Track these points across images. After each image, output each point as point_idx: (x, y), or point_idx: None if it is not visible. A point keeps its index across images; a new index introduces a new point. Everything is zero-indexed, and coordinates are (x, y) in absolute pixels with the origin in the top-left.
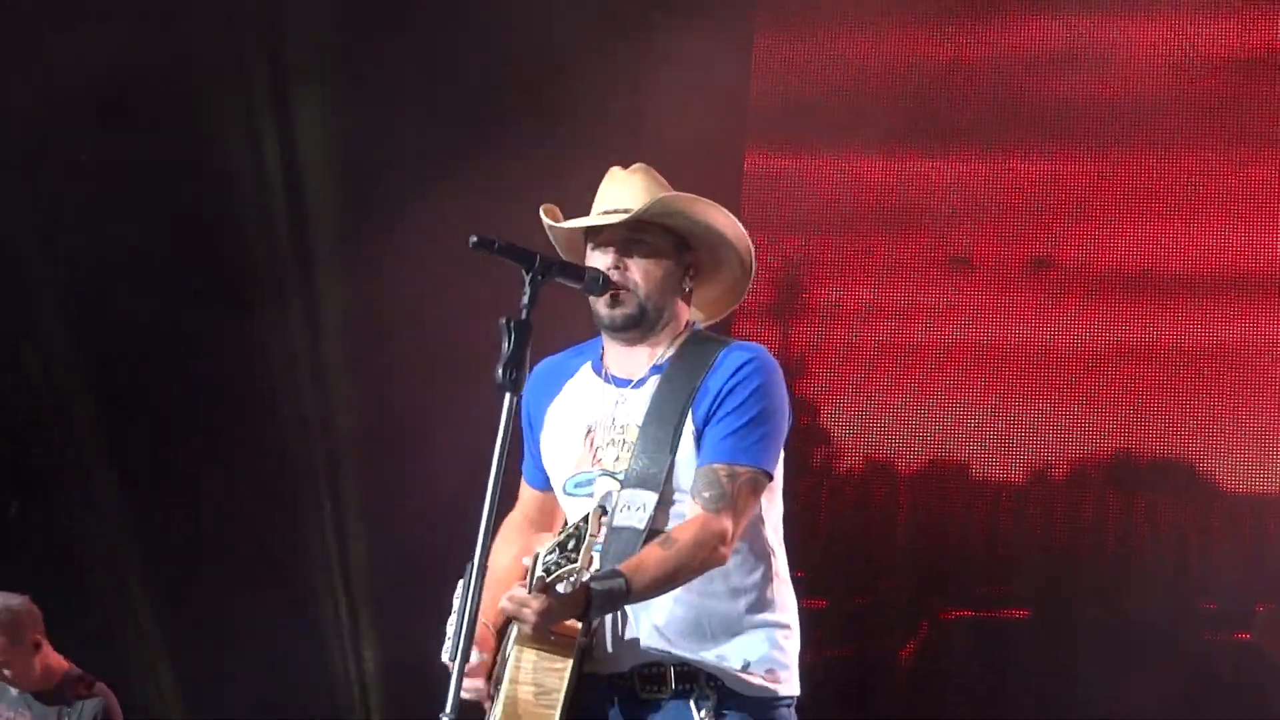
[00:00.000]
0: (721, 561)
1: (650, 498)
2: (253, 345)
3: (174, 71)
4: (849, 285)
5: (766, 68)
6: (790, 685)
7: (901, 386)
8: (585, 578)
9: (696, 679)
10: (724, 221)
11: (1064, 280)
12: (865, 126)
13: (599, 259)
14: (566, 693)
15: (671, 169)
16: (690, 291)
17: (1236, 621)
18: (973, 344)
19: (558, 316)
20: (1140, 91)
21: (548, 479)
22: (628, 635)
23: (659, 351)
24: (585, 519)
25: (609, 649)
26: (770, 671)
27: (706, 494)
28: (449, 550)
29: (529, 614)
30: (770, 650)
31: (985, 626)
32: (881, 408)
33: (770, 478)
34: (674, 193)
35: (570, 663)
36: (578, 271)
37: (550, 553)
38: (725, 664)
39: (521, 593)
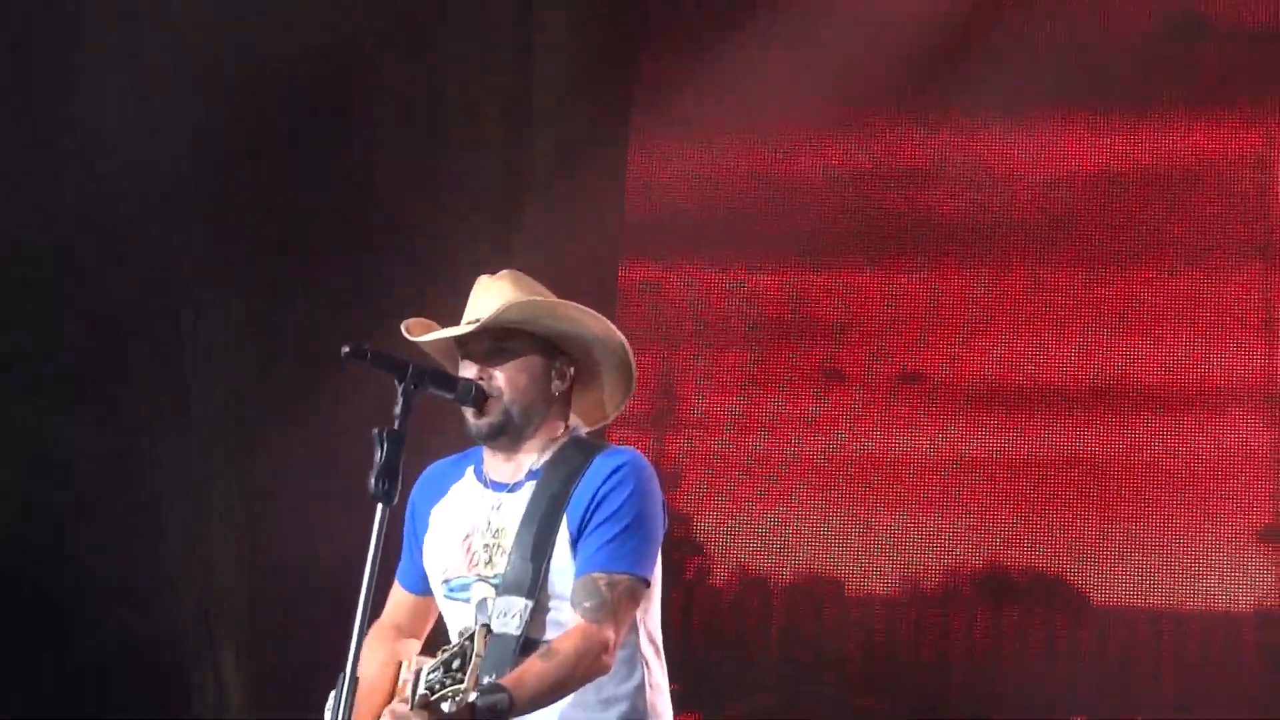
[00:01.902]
0: (605, 671)
1: (525, 604)
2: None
3: None
4: (722, 396)
5: (642, 179)
6: None
7: (774, 497)
8: (471, 699)
9: None
10: (591, 323)
11: (935, 392)
12: (739, 239)
13: (467, 369)
14: None
15: (545, 279)
16: (567, 397)
17: None
18: (845, 456)
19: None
20: (1008, 207)
21: (423, 582)
22: None
23: (534, 457)
24: (470, 638)
25: None
26: None
27: (587, 604)
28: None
29: None
30: None
31: None
32: (754, 518)
33: (648, 584)
34: (534, 298)
35: None
36: (450, 381)
37: (434, 670)
38: None
39: (403, 709)
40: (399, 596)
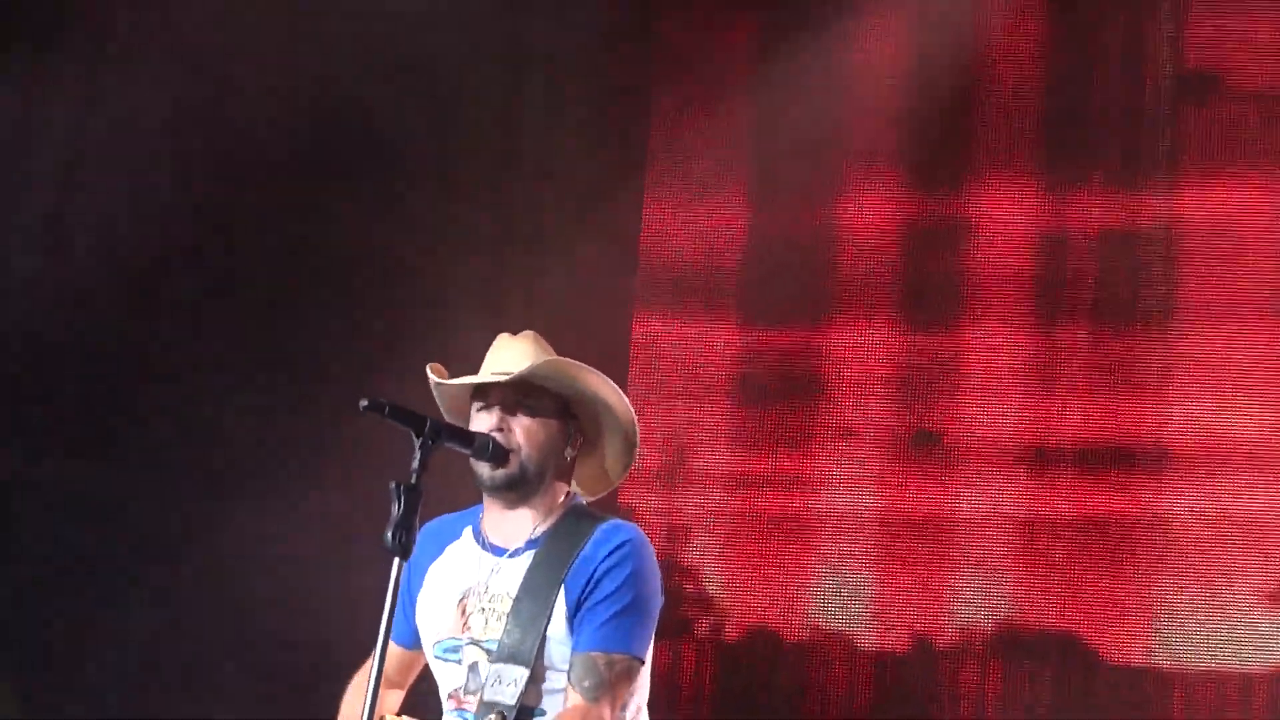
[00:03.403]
0: None
1: (522, 673)
2: None
3: None
4: (733, 452)
5: (655, 234)
6: None
7: (786, 554)
8: None
9: None
10: (609, 391)
11: (948, 451)
12: (752, 295)
13: (483, 420)
14: None
15: (558, 334)
16: (573, 464)
17: None
18: (857, 513)
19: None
20: (1024, 266)
21: (414, 636)
22: None
23: (536, 524)
24: (503, 714)
25: None
26: None
27: (586, 683)
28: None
29: None
30: None
31: None
32: (765, 575)
33: (643, 664)
34: (561, 358)
35: None
36: (468, 437)
37: None
38: None
39: None
40: (389, 649)
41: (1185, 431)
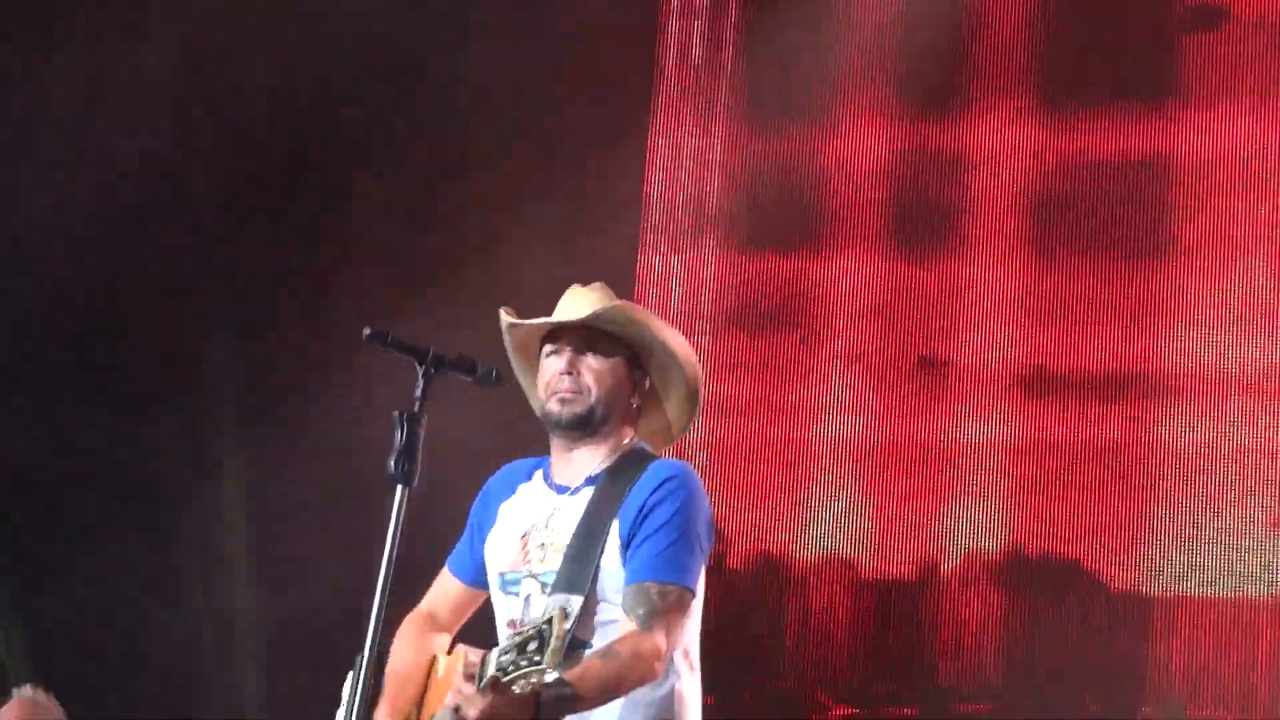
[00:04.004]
0: (654, 678)
1: (576, 601)
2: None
3: None
4: (738, 381)
5: (661, 165)
6: None
7: (791, 482)
8: (548, 679)
9: None
10: (676, 343)
11: (953, 378)
12: (757, 226)
13: (552, 363)
14: None
15: (564, 267)
16: (638, 412)
17: None
18: (862, 441)
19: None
20: (1029, 194)
21: (479, 573)
22: None
23: (596, 461)
24: (549, 621)
25: None
26: None
27: (640, 610)
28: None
29: (474, 713)
30: None
31: None
32: (771, 505)
33: (694, 595)
34: (631, 304)
35: None
36: (470, 365)
37: (506, 653)
38: None
39: (470, 689)
40: (448, 585)
41: (1195, 358)
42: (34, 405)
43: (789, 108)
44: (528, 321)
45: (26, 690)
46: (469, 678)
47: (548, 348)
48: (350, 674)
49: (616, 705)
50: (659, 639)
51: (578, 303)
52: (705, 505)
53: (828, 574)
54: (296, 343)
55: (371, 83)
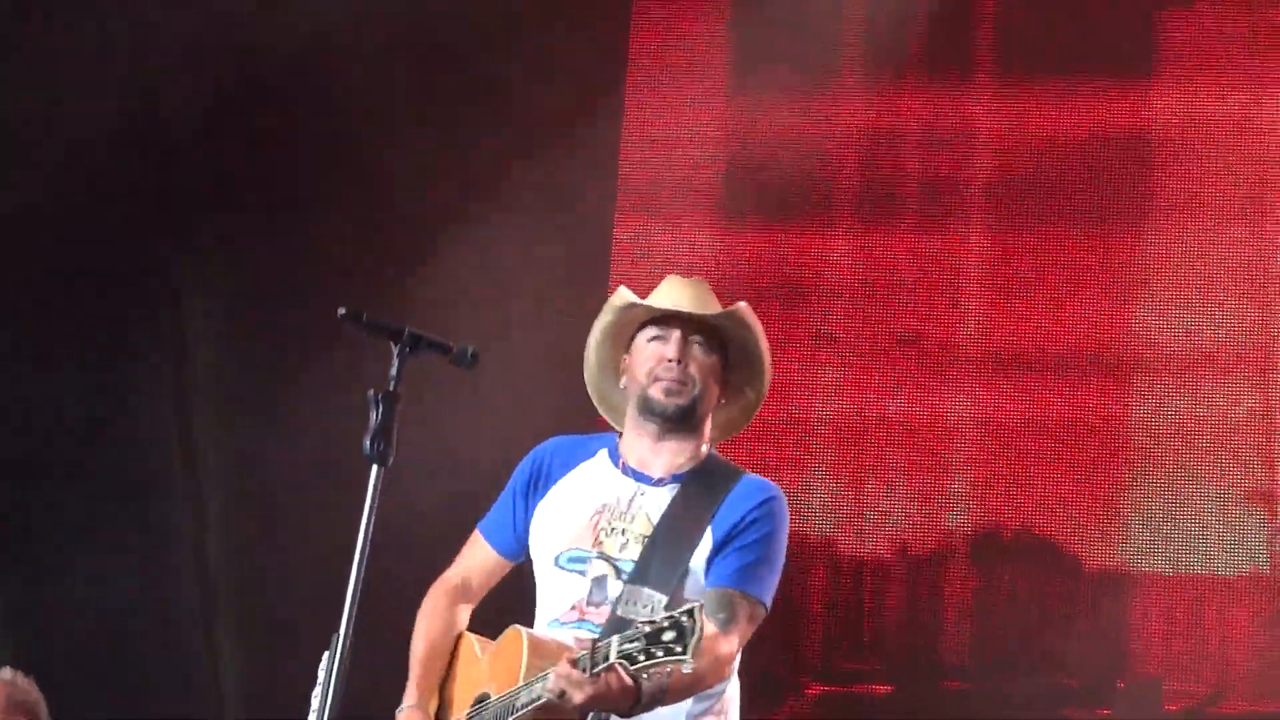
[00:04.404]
0: (724, 681)
1: (660, 599)
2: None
3: None
4: None
5: (637, 138)
6: None
7: (765, 459)
8: (686, 670)
9: None
10: (769, 360)
11: (928, 356)
12: (734, 199)
13: (657, 348)
14: None
15: (543, 241)
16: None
17: (1098, 698)
18: (836, 418)
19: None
20: (1006, 169)
21: (517, 545)
22: None
23: (680, 461)
24: (689, 614)
25: None
26: None
27: (722, 615)
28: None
29: (581, 696)
30: None
31: (849, 702)
32: None
33: (767, 613)
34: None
35: None
36: (444, 345)
37: (633, 640)
38: None
39: (578, 674)
40: (484, 555)
41: (1168, 335)
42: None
43: (766, 82)
44: (649, 303)
45: (5, 673)
46: (573, 661)
47: (652, 331)
48: (326, 654)
49: (683, 704)
50: (734, 646)
51: (688, 293)
52: (787, 530)
53: (804, 551)
54: (276, 322)
55: (348, 61)
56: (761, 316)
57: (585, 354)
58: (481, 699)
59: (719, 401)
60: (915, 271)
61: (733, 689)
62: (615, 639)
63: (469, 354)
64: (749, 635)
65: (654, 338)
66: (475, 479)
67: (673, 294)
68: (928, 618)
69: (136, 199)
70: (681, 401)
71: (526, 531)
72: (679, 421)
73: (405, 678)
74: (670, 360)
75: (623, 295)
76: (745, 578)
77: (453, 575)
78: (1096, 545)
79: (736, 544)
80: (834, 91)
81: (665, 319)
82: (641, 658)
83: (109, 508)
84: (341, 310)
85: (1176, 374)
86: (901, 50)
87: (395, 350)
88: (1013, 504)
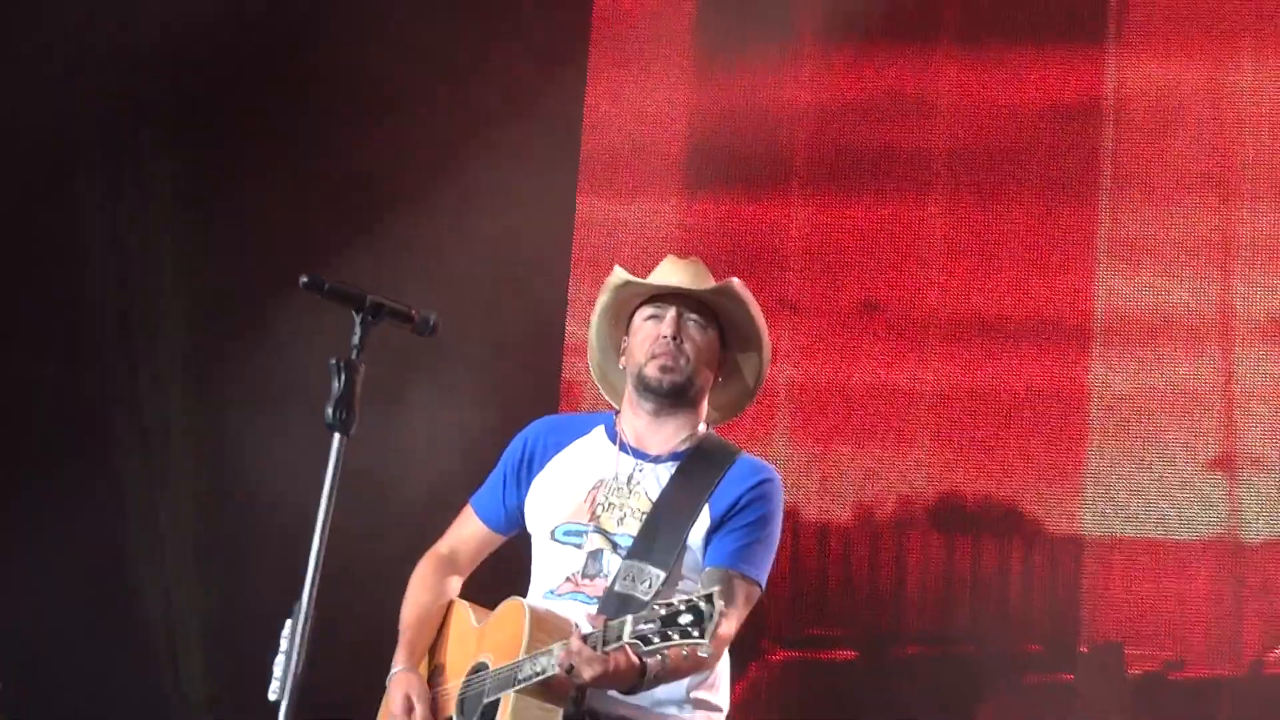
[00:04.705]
0: (717, 661)
1: (658, 575)
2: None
3: None
4: None
5: (599, 110)
6: None
7: (731, 426)
8: (703, 653)
9: None
10: (768, 339)
11: (890, 323)
12: (696, 171)
13: (652, 326)
14: None
15: (502, 215)
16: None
17: (1060, 663)
18: (799, 385)
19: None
20: (968, 138)
21: (509, 520)
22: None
23: (679, 439)
24: (708, 598)
25: None
26: None
27: (722, 596)
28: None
29: (590, 674)
30: None
31: (813, 668)
32: None
33: (762, 594)
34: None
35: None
36: (405, 314)
37: (647, 621)
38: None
39: (589, 650)
40: (474, 529)
41: (1130, 302)
42: None
43: (731, 50)
44: (645, 281)
45: None
46: (584, 637)
47: (648, 310)
48: (289, 621)
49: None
50: (733, 625)
51: (685, 272)
52: (783, 513)
53: None
54: (235, 289)
55: (311, 24)
56: None
57: (588, 336)
58: (478, 668)
59: (716, 380)
60: (876, 240)
61: (723, 665)
62: (629, 619)
63: (430, 322)
64: (745, 616)
65: (650, 316)
66: (437, 455)
67: (667, 273)
68: (891, 584)
69: (82, 150)
70: (676, 378)
71: (516, 509)
72: (675, 398)
73: (384, 654)
74: (665, 337)
75: (618, 274)
76: (743, 558)
77: (440, 548)
78: (1058, 511)
79: (734, 524)
80: (796, 61)
81: (662, 297)
82: (656, 639)
83: (68, 478)
84: (304, 279)
85: (1137, 342)
86: (863, 19)
87: (357, 319)
88: (974, 471)
